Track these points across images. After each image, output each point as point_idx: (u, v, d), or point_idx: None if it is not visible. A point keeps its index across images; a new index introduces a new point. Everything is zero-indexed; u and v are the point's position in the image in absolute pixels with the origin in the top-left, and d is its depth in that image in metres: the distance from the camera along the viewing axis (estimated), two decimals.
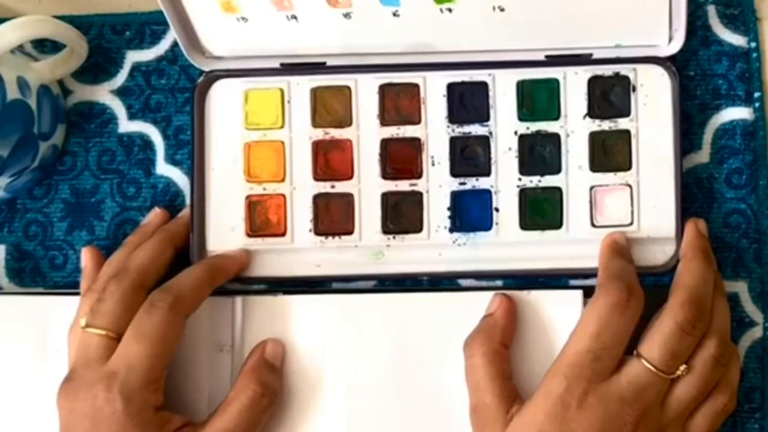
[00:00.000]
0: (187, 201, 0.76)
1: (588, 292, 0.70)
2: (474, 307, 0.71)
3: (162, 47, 0.79)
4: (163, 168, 0.78)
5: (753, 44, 0.75)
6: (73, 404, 0.66)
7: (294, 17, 0.71)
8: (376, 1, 0.70)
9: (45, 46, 0.79)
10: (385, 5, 0.70)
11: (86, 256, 0.75)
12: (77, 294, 0.73)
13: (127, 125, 0.78)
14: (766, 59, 0.75)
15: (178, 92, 0.78)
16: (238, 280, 0.74)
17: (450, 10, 0.70)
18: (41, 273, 0.78)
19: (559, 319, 0.71)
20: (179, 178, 0.77)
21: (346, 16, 0.71)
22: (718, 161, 0.74)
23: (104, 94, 0.79)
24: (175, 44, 0.78)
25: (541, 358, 0.70)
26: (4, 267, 0.78)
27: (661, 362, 0.64)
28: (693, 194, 0.74)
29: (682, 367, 0.65)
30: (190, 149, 0.75)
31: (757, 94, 0.74)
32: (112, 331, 0.67)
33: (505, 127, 0.73)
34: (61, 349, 0.71)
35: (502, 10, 0.70)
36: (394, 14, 0.70)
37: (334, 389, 0.72)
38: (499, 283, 0.74)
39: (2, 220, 0.78)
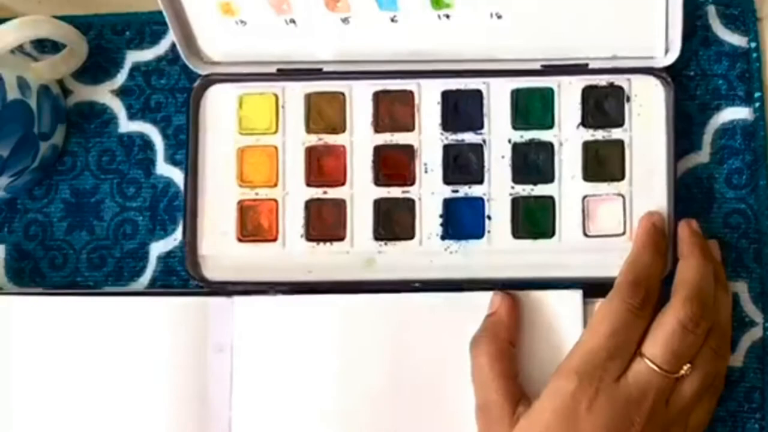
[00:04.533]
0: None
1: (587, 293, 0.71)
2: (473, 307, 0.71)
3: (162, 47, 0.79)
4: (163, 168, 0.78)
5: (753, 44, 0.74)
6: None
7: (292, 21, 0.71)
8: (374, 5, 0.70)
9: (45, 46, 0.80)
10: (383, 10, 0.70)
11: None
12: (77, 294, 0.74)
13: (127, 125, 0.79)
14: (766, 59, 0.75)
15: (178, 92, 0.78)
16: (229, 286, 0.74)
17: (447, 16, 0.70)
18: (41, 273, 0.78)
19: (559, 320, 0.71)
20: (179, 178, 0.77)
21: (344, 21, 0.71)
22: (718, 161, 0.74)
23: (104, 94, 0.79)
24: (175, 44, 0.77)
25: (540, 358, 0.70)
26: (4, 267, 0.78)
27: (663, 361, 0.64)
28: (693, 194, 0.74)
29: (686, 367, 0.65)
30: (185, 153, 0.75)
31: (757, 94, 0.74)
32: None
33: (498, 135, 0.73)
34: (62, 350, 0.72)
35: (499, 17, 0.70)
36: (392, 20, 0.71)
37: (334, 389, 0.72)
38: None
39: (2, 220, 0.79)
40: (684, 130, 0.73)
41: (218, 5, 0.71)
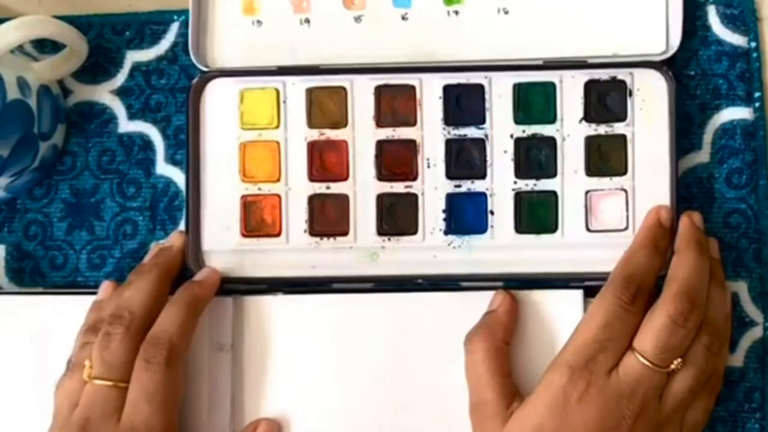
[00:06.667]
0: None
1: (588, 292, 0.70)
2: (474, 306, 0.71)
3: (162, 47, 0.79)
4: (163, 168, 0.78)
5: (753, 44, 0.75)
6: None
7: (307, 21, 0.73)
8: (388, 2, 0.72)
9: (45, 46, 0.80)
10: (397, 7, 0.72)
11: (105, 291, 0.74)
12: (77, 294, 0.74)
13: (127, 125, 0.79)
14: (766, 59, 0.75)
15: (178, 92, 0.78)
16: (233, 282, 0.74)
17: (457, 12, 0.71)
18: (41, 273, 0.78)
19: (559, 319, 0.71)
20: (179, 178, 0.77)
21: (357, 19, 0.72)
22: (718, 161, 0.74)
23: (104, 94, 0.79)
24: (175, 44, 0.78)
25: (539, 357, 0.70)
26: (4, 267, 0.78)
27: (653, 355, 0.64)
28: (693, 194, 0.74)
29: (677, 361, 0.65)
30: (185, 152, 0.75)
31: (757, 94, 0.74)
32: (122, 381, 0.67)
33: (501, 130, 0.73)
34: (61, 350, 0.71)
35: (506, 12, 0.71)
36: (403, 17, 0.72)
37: (334, 388, 0.72)
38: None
39: (2, 220, 0.79)
40: (684, 130, 0.73)
41: (241, 2, 0.74)
